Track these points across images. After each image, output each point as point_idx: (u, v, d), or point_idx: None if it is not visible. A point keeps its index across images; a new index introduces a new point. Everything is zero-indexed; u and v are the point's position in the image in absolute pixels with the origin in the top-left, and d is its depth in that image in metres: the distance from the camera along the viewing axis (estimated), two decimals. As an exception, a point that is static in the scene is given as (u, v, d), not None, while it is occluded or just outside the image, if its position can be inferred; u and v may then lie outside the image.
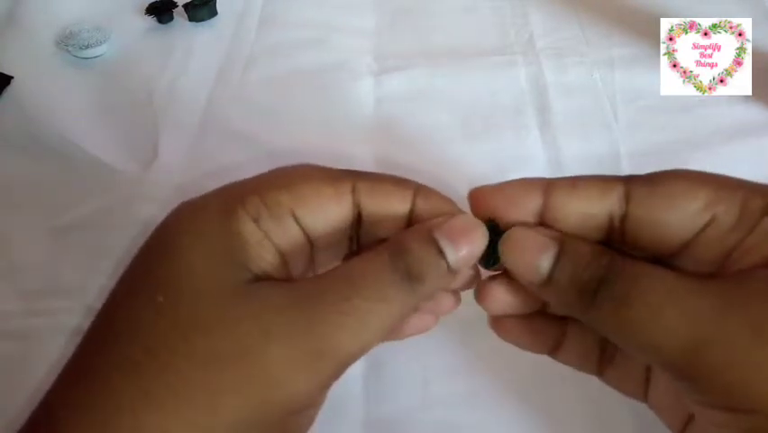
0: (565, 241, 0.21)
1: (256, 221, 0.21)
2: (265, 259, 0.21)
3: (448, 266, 0.21)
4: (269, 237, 0.21)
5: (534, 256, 0.21)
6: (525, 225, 0.22)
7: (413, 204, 0.23)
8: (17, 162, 0.40)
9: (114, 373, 0.19)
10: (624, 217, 0.21)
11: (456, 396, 0.31)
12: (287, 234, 0.21)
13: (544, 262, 0.21)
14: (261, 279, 0.21)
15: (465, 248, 0.21)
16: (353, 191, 0.22)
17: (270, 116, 0.43)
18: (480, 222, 0.22)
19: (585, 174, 0.22)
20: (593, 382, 0.25)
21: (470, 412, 0.30)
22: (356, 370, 0.31)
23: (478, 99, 0.44)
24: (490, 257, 0.22)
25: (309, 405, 0.21)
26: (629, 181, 0.21)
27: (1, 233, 0.37)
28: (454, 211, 0.23)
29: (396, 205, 0.23)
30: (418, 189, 0.23)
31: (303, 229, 0.22)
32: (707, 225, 0.20)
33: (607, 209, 0.21)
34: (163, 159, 0.40)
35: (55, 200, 0.38)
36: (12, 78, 0.44)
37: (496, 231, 0.22)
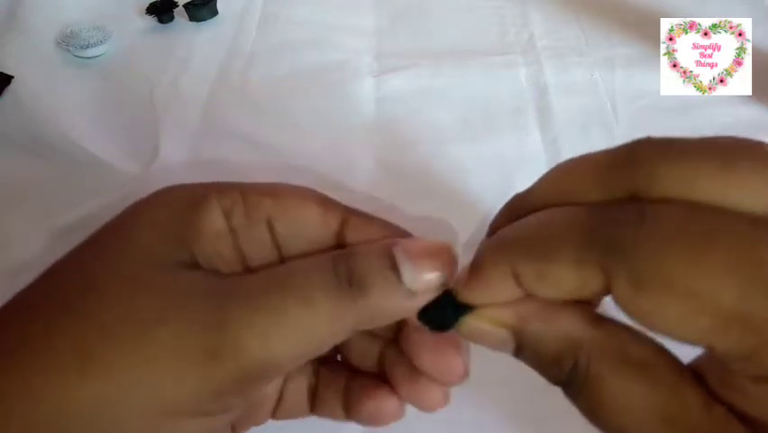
0: (523, 337, 0.18)
1: (227, 215, 0.20)
2: (217, 252, 0.20)
3: (402, 284, 0.18)
4: (235, 235, 0.20)
5: (494, 346, 0.19)
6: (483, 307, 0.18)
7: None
8: (17, 162, 0.40)
9: (8, 317, 0.19)
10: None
11: (456, 395, 0.31)
12: (255, 239, 0.20)
13: (507, 351, 0.19)
14: (200, 267, 0.19)
15: (426, 268, 0.18)
16: (342, 223, 0.21)
17: (271, 116, 0.43)
18: (450, 246, 0.19)
19: (550, 237, 0.17)
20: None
21: (471, 412, 0.30)
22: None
23: (478, 99, 0.44)
24: (441, 319, 0.19)
25: (195, 410, 0.18)
26: (609, 268, 0.15)
27: (1, 233, 0.37)
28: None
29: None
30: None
31: (276, 241, 0.21)
32: (704, 349, 0.15)
33: (586, 295, 0.16)
34: (164, 158, 0.40)
35: (55, 200, 0.38)
36: (12, 77, 0.44)
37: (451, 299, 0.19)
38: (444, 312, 0.19)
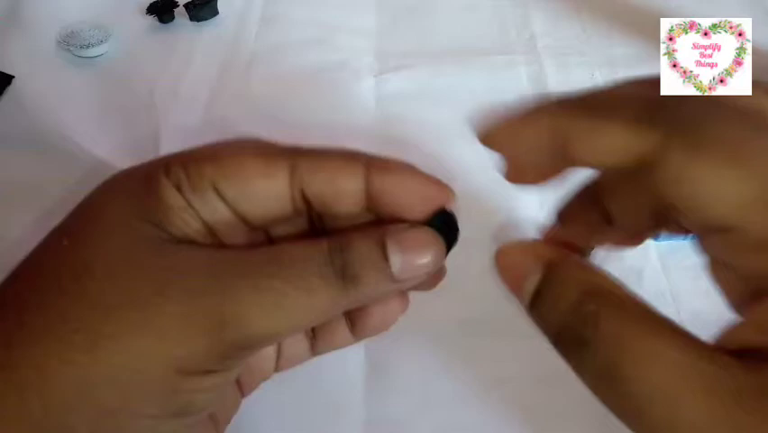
0: (551, 271, 0.18)
1: (179, 190, 0.20)
2: (189, 225, 0.20)
3: (391, 274, 0.20)
4: (193, 207, 0.21)
5: (518, 277, 0.19)
6: (520, 243, 0.20)
7: (367, 181, 0.21)
8: (18, 162, 0.40)
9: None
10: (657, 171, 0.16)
11: (456, 396, 0.31)
12: (209, 206, 0.21)
13: (529, 286, 0.19)
14: (183, 241, 0.20)
15: (415, 259, 0.20)
16: (293, 169, 0.21)
17: (271, 116, 0.43)
18: (440, 239, 0.21)
19: (615, 100, 0.18)
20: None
21: (471, 412, 0.30)
22: (357, 370, 0.31)
23: (479, 99, 0.44)
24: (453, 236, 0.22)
25: (203, 369, 0.19)
26: (668, 131, 0.16)
27: (1, 233, 0.37)
28: (418, 177, 0.22)
29: (345, 184, 0.21)
30: (370, 163, 0.21)
31: (228, 204, 0.21)
32: (730, 231, 0.15)
33: (631, 159, 0.16)
34: (164, 158, 0.40)
35: (55, 200, 0.38)
36: (13, 77, 0.44)
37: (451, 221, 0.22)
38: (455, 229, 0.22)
